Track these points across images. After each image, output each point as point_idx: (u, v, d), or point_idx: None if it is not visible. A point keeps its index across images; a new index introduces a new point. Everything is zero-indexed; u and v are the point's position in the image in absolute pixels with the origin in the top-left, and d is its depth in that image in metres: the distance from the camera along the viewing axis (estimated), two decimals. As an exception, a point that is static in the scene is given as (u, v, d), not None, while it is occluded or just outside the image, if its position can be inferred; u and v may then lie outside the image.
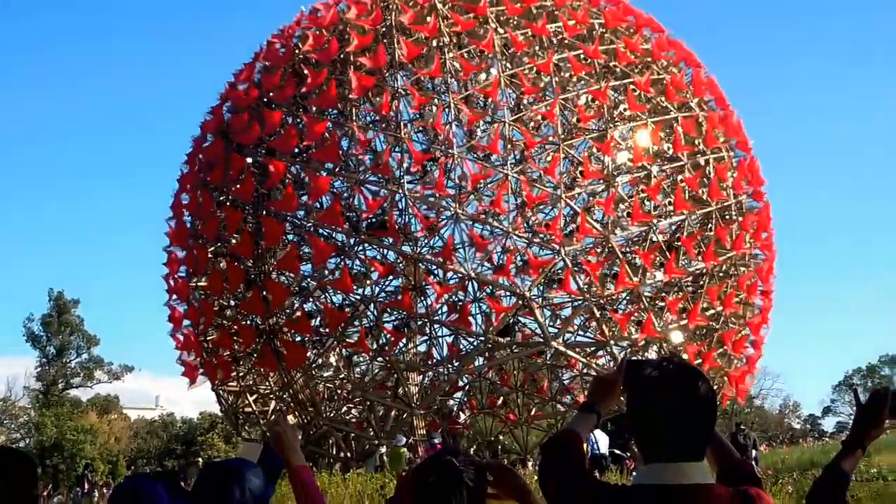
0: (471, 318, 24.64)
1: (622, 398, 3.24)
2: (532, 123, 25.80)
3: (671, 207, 24.64)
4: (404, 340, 25.43)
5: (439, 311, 25.21)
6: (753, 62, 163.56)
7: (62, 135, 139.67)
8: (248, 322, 25.67)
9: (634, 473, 2.89)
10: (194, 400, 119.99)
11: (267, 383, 27.31)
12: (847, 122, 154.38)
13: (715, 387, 25.45)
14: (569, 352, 24.92)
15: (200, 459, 51.51)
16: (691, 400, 2.89)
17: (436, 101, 25.18)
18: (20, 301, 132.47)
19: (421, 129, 25.77)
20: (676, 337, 24.68)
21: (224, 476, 3.51)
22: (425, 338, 26.37)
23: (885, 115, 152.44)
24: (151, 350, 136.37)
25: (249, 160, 25.11)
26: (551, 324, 26.01)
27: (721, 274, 25.31)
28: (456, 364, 26.07)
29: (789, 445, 54.63)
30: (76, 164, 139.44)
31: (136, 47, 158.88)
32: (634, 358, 3.14)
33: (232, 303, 26.60)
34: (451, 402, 30.14)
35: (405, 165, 24.76)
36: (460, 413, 30.45)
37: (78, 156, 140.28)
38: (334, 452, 27.05)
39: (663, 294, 24.81)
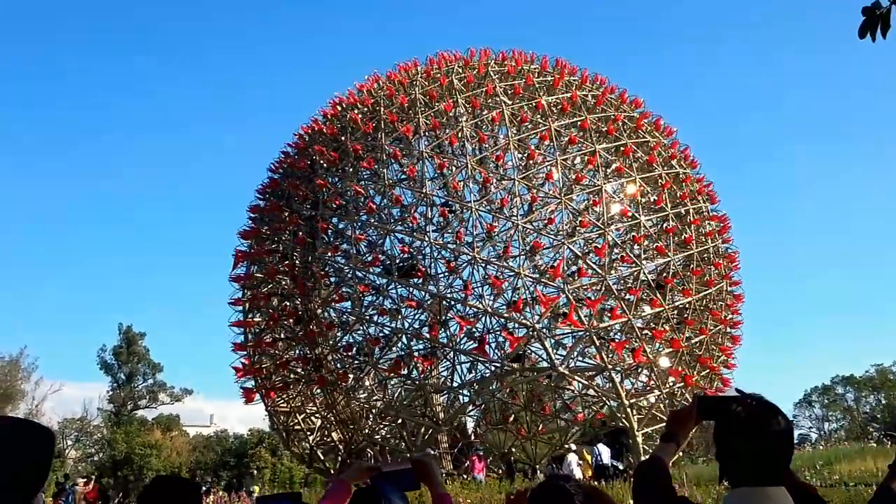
0: (488, 348, 24.86)
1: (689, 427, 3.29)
2: (536, 181, 26.33)
3: (657, 251, 24.96)
4: (432, 366, 25.69)
5: (461, 341, 25.46)
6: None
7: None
8: (298, 352, 26.27)
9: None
10: (241, 418, 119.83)
11: (313, 405, 27.63)
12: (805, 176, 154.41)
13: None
14: (574, 376, 25.22)
15: (255, 471, 51.87)
16: (773, 433, 2.93)
17: (455, 163, 25.75)
18: (94, 333, 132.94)
19: (442, 186, 26.32)
20: (664, 362, 24.97)
21: (373, 501, 3.45)
22: (447, 363, 26.66)
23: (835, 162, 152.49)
24: (206, 374, 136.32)
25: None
26: (556, 351, 26.27)
27: (700, 307, 25.63)
28: (475, 387, 26.43)
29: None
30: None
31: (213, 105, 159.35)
32: (704, 395, 3.31)
33: (282, 336, 27.15)
34: (469, 419, 30.43)
35: (431, 217, 25.28)
36: (476, 429, 30.77)
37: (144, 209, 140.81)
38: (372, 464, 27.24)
39: (652, 325, 25.08)
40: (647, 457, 3.41)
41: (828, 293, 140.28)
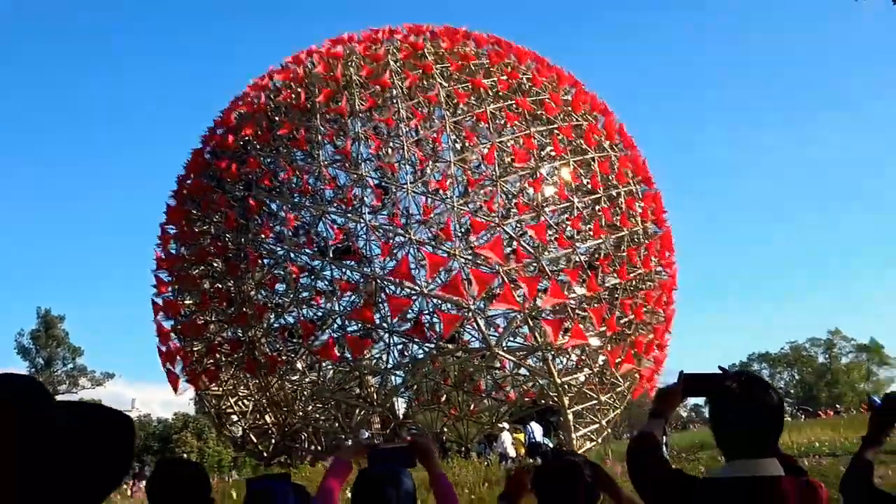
0: (425, 328, 24.90)
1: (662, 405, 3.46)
2: (473, 163, 26.37)
3: (591, 233, 25.25)
4: (367, 347, 25.59)
5: (396, 323, 25.40)
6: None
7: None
8: (231, 334, 25.90)
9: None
10: (165, 402, 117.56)
11: (245, 388, 27.30)
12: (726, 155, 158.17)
13: (628, 384, 26.40)
14: (509, 356, 25.41)
15: (183, 455, 50.88)
16: (765, 407, 3.05)
17: (390, 144, 25.59)
18: (9, 317, 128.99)
19: (378, 168, 26.14)
20: (595, 341, 25.32)
21: (382, 480, 3.49)
22: (382, 345, 26.61)
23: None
24: (127, 358, 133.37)
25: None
26: (489, 331, 26.44)
27: (632, 288, 26.04)
28: (409, 368, 26.47)
29: (679, 430, 56.11)
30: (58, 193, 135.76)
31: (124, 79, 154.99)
32: (690, 372, 3.43)
33: (214, 319, 26.69)
34: (401, 400, 30.41)
35: (366, 199, 25.10)
36: (408, 410, 30.80)
37: (58, 185, 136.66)
38: (306, 446, 27.14)
39: (585, 306, 25.38)
40: (637, 433, 3.54)
41: (749, 272, 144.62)
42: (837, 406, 65.15)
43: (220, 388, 27.34)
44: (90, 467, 1.68)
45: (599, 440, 27.64)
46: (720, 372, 3.28)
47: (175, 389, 27.52)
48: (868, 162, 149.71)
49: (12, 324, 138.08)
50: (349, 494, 3.75)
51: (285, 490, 3.85)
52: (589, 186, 26.00)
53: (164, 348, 28.11)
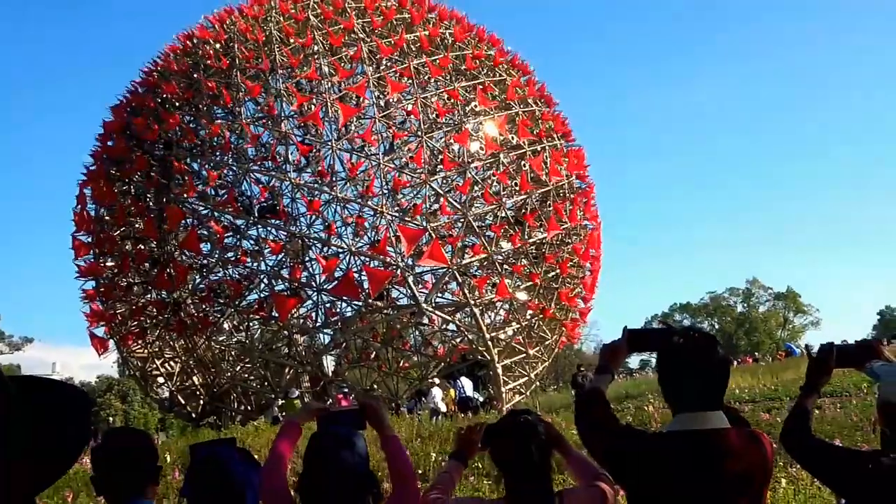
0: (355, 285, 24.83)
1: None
2: (398, 119, 26.23)
3: (517, 188, 25.37)
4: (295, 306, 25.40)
5: (324, 282, 25.27)
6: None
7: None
8: (155, 296, 25.49)
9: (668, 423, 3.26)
10: (86, 365, 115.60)
11: (171, 350, 26.93)
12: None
13: (554, 336, 26.82)
14: (438, 313, 25.54)
15: (109, 418, 50.23)
16: (711, 361, 3.13)
17: (314, 100, 25.25)
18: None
19: (301, 125, 25.82)
20: (522, 296, 25.60)
21: (336, 443, 3.47)
22: (310, 304, 26.47)
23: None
24: (46, 322, 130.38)
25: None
26: (418, 288, 26.51)
27: (558, 242, 26.31)
28: (338, 326, 26.43)
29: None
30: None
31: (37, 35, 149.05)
32: (633, 327, 3.51)
33: (138, 280, 26.19)
34: (330, 358, 30.37)
35: (290, 157, 24.80)
36: (337, 367, 30.79)
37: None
38: (236, 406, 26.98)
39: (512, 261, 25.59)
40: (587, 388, 3.57)
41: (667, 224, 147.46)
42: (756, 354, 67.21)
43: (146, 350, 26.91)
44: (48, 444, 1.65)
45: (528, 393, 28.10)
46: (664, 327, 3.47)
47: (99, 352, 27.01)
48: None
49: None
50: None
51: (232, 456, 3.81)
52: (514, 141, 26.08)
53: (87, 311, 27.59)
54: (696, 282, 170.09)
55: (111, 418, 57.24)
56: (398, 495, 3.59)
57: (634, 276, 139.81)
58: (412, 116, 25.60)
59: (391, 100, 25.64)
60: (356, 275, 24.88)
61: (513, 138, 26.06)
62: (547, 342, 27.34)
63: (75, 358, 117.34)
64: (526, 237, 25.21)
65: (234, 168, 25.00)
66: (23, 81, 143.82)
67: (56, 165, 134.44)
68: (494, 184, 25.65)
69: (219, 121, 25.10)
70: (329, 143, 24.73)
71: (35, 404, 1.67)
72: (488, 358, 25.65)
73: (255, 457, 4.07)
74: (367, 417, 3.74)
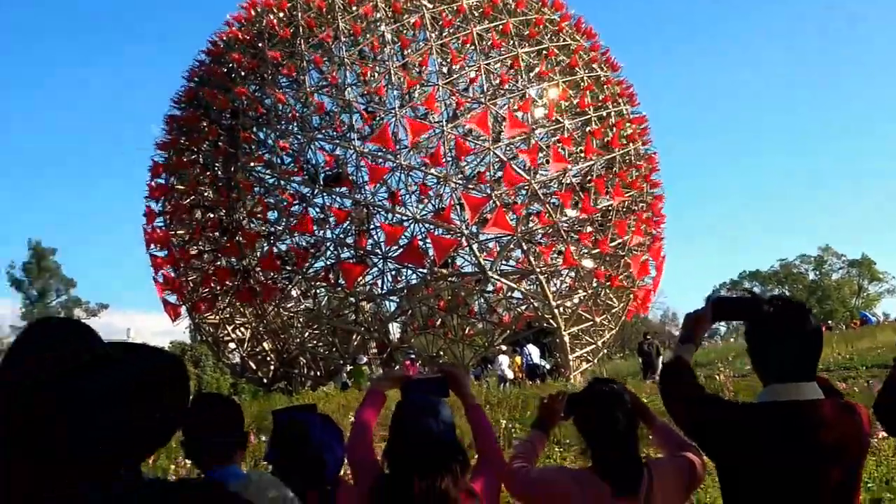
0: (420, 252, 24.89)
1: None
2: (461, 86, 26.06)
3: (582, 154, 25.08)
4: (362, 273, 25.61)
5: (391, 250, 25.40)
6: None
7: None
8: (225, 264, 25.92)
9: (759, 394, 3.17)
10: (157, 331, 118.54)
11: (242, 315, 27.41)
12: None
13: (622, 304, 26.58)
14: (502, 280, 25.47)
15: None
16: (804, 330, 3.04)
17: (377, 68, 25.24)
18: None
19: (365, 94, 25.84)
20: (588, 263, 25.39)
21: (423, 411, 3.43)
22: (376, 271, 26.68)
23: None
24: (119, 289, 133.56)
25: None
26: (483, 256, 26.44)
27: (624, 209, 25.98)
28: (404, 293, 26.59)
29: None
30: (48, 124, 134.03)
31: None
32: (719, 296, 3.41)
33: (207, 248, 26.68)
34: (396, 325, 30.59)
35: (354, 125, 24.85)
36: (403, 335, 31.00)
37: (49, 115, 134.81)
38: (305, 372, 27.40)
39: (577, 228, 25.35)
40: (671, 358, 3.50)
41: (739, 189, 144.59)
42: (829, 322, 65.66)
43: (217, 317, 27.47)
44: (149, 414, 1.63)
45: (595, 361, 27.96)
46: (750, 296, 3.30)
47: (172, 318, 27.65)
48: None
49: (2, 256, 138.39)
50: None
51: (314, 421, 3.85)
52: (578, 108, 25.74)
53: (159, 278, 28.22)
54: (766, 249, 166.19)
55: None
56: (483, 464, 3.57)
57: (701, 244, 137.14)
58: (475, 83, 25.38)
59: (454, 67, 25.47)
60: (421, 242, 24.96)
61: (577, 104, 25.71)
62: (614, 310, 27.10)
63: (148, 324, 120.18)
64: (591, 204, 24.91)
65: (300, 137, 25.19)
66: (100, 51, 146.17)
67: (131, 134, 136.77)
68: (559, 150, 25.36)
69: (284, 90, 25.27)
70: (392, 111, 24.71)
71: (138, 370, 1.68)
72: (554, 326, 25.57)
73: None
74: (451, 386, 3.72)
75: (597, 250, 25.12)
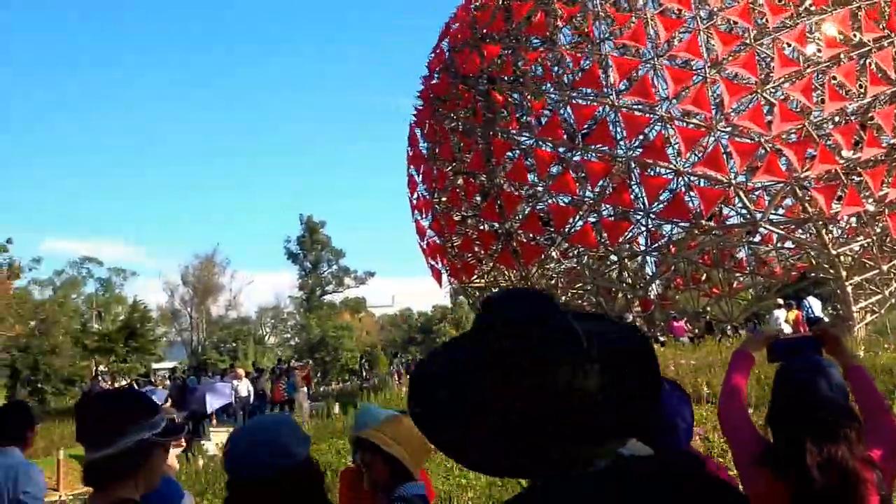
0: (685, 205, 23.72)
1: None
2: (722, 27, 24.33)
3: (862, 89, 22.73)
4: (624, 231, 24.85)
5: (653, 206, 24.37)
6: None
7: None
8: (487, 228, 26.03)
9: None
10: (418, 295, 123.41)
11: (507, 277, 27.50)
12: None
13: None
14: (774, 229, 23.78)
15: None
16: None
17: (633, 18, 24.11)
18: (274, 225, 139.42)
19: (620, 46, 24.80)
20: (871, 207, 23.05)
21: (813, 372, 3.22)
22: (641, 228, 25.79)
23: None
24: (383, 256, 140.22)
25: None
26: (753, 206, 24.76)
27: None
28: (667, 249, 25.56)
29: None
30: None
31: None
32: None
33: (469, 213, 26.91)
34: (659, 281, 29.54)
35: (611, 80, 23.91)
36: (666, 291, 29.87)
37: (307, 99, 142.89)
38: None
39: (859, 169, 23.01)
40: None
41: None
42: None
43: (483, 281, 27.75)
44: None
45: (882, 311, 25.59)
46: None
47: (440, 283, 28.31)
48: None
49: (278, 231, 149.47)
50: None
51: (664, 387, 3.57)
52: (857, 39, 23.30)
53: (424, 245, 28.97)
54: None
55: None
56: (872, 429, 3.16)
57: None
58: (740, 22, 23.60)
59: (714, 8, 23.84)
60: (685, 195, 23.79)
61: (855, 35, 23.29)
62: (903, 256, 24.56)
63: (409, 288, 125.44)
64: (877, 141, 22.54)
65: (555, 95, 24.66)
66: (351, 26, 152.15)
67: (390, 110, 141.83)
68: (835, 87, 23.08)
69: (537, 48, 24.80)
70: (651, 61, 23.56)
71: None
72: (833, 275, 23.62)
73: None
74: (827, 345, 3.42)
75: (881, 192, 22.66)
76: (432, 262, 28.96)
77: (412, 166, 28.99)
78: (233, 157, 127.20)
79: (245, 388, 28.06)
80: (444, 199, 27.14)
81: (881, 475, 3.05)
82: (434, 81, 27.52)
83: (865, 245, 24.11)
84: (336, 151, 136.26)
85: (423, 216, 28.65)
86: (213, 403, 19.84)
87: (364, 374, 45.22)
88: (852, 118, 23.29)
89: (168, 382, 34.16)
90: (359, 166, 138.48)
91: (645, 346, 1.55)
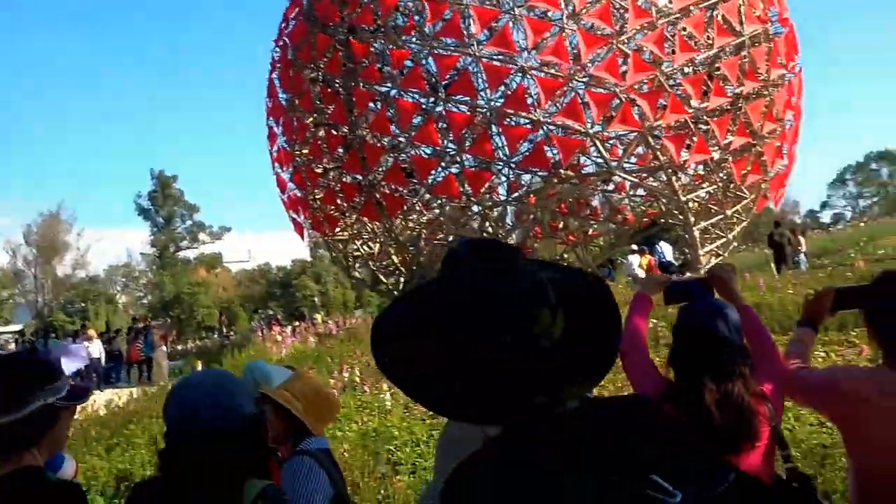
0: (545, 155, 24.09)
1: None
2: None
3: (710, 41, 23.61)
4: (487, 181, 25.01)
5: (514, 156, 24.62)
6: None
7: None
8: (350, 180, 25.73)
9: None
10: (276, 250, 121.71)
11: (370, 230, 27.34)
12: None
13: (753, 196, 25.30)
14: (628, 177, 24.54)
15: (314, 299, 52.56)
16: None
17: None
18: (126, 179, 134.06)
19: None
20: (716, 154, 24.13)
21: (710, 315, 3.34)
22: (503, 178, 26.08)
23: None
24: (237, 211, 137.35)
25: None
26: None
27: (755, 95, 24.44)
28: (530, 197, 26.01)
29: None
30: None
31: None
32: (840, 288, 3.45)
33: (332, 165, 26.47)
34: (519, 230, 30.05)
35: (472, 30, 23.84)
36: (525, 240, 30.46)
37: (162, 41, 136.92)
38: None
39: (706, 118, 23.94)
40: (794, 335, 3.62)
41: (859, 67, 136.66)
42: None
43: (346, 233, 27.48)
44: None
45: (726, 254, 26.95)
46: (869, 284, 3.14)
47: (302, 237, 27.86)
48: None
49: (129, 187, 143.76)
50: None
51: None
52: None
53: (284, 198, 28.39)
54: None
55: (314, 298, 59.89)
56: (761, 366, 3.37)
57: (824, 125, 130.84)
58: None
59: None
60: (545, 145, 24.15)
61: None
62: (745, 201, 25.87)
63: (265, 244, 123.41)
64: (722, 91, 23.53)
65: (417, 45, 24.44)
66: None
67: (248, 57, 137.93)
68: (685, 38, 23.87)
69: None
70: (510, 12, 23.62)
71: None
72: (682, 221, 24.67)
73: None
74: (716, 286, 3.60)
75: (726, 140, 23.74)
76: (294, 216, 28.42)
77: (271, 118, 28.20)
78: (78, 106, 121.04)
79: (97, 349, 27.03)
80: (305, 151, 26.55)
81: (772, 408, 3.28)
82: (290, 30, 26.71)
83: (711, 191, 25.23)
84: (189, 103, 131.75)
85: (284, 169, 28.00)
86: (69, 367, 18.90)
87: (224, 330, 44.26)
88: (700, 69, 24.15)
89: (12, 346, 32.45)
90: (214, 119, 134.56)
91: (604, 292, 1.59)
